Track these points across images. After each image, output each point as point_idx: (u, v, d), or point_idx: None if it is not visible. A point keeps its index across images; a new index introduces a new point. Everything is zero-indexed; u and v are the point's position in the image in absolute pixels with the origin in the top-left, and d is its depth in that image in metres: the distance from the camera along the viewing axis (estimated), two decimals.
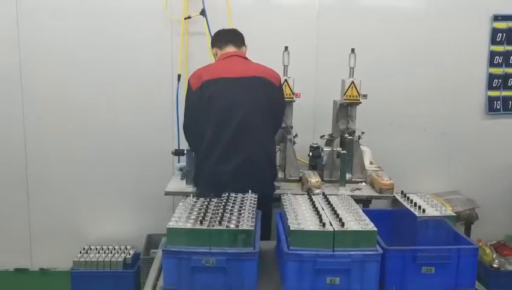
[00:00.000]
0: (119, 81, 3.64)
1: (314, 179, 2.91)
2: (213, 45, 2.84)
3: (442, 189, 3.76)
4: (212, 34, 3.45)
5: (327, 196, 2.05)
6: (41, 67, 3.60)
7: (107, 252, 3.60)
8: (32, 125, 3.68)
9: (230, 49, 2.73)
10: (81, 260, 3.48)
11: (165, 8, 3.49)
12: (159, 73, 3.63)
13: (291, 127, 3.12)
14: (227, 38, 2.77)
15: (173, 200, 3.65)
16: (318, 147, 3.30)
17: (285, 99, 2.98)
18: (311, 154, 3.29)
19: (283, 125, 3.01)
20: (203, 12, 3.49)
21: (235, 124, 2.51)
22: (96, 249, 3.63)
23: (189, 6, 3.53)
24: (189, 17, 3.52)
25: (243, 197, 2.02)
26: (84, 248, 3.63)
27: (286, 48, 3.09)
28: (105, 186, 3.79)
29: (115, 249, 3.64)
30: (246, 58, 2.74)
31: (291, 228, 1.66)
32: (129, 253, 3.60)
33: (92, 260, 3.48)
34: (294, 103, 3.10)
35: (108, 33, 3.58)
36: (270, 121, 2.66)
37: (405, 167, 3.67)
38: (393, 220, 2.11)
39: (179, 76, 3.58)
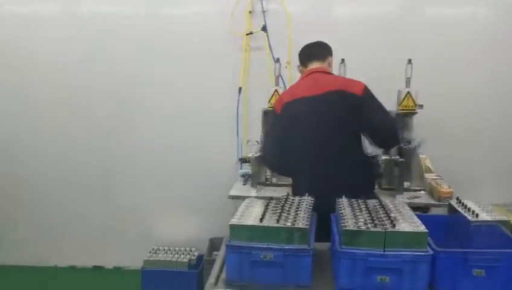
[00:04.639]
0: (185, 93, 3.92)
1: None
2: (299, 63, 2.84)
3: (507, 200, 3.66)
4: (273, 48, 3.67)
5: (380, 200, 2.13)
6: (110, 86, 3.98)
7: (173, 253, 3.86)
8: (116, 137, 4.05)
9: (314, 65, 2.72)
10: (150, 259, 3.76)
11: (230, 25, 3.72)
12: (222, 85, 3.86)
13: None
14: (309, 54, 2.77)
15: (235, 205, 3.84)
16: (376, 156, 3.35)
17: None
18: None
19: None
20: (264, 28, 3.69)
21: (317, 143, 2.54)
22: (164, 249, 3.90)
23: (251, 22, 3.75)
24: (251, 33, 3.73)
25: (300, 200, 2.15)
26: (153, 249, 3.91)
27: (343, 60, 3.20)
28: (173, 193, 4.08)
29: (180, 250, 3.89)
30: (328, 73, 2.72)
31: (343, 228, 1.78)
32: (194, 255, 3.83)
33: (160, 259, 3.75)
34: None
35: (173, 47, 3.87)
36: (353, 133, 2.61)
37: (467, 177, 3.61)
38: (448, 226, 2.14)
39: (240, 89, 3.80)
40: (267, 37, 3.69)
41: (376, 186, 3.13)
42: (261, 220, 1.84)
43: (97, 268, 4.19)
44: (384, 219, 1.86)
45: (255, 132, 3.57)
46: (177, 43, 3.87)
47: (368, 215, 1.91)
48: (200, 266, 3.75)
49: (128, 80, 3.96)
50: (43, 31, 3.94)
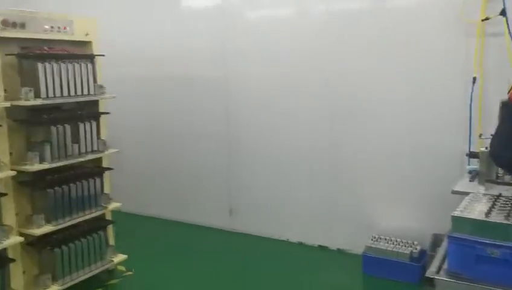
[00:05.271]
0: (413, 84, 3.90)
1: None
2: None
3: None
4: None
5: None
6: (343, 79, 4.23)
7: (395, 243, 3.92)
8: (339, 136, 4.32)
9: None
10: (372, 246, 3.92)
11: (462, 12, 3.54)
12: (450, 75, 3.71)
13: None
14: None
15: (460, 202, 3.66)
16: None
17: None
18: None
19: None
20: (503, 13, 3.38)
21: None
22: (385, 239, 4.00)
23: (487, 7, 3.48)
24: (487, 19, 3.47)
25: None
26: (374, 236, 4.06)
27: None
28: (396, 184, 4.12)
29: (402, 242, 3.93)
30: None
31: None
32: (416, 248, 3.82)
33: (381, 247, 3.87)
34: None
35: (401, 38, 3.89)
36: None
37: None
38: None
39: (474, 79, 3.57)
40: (506, 22, 3.37)
41: None
42: (487, 215, 1.80)
43: (322, 248, 4.56)
44: None
45: (491, 125, 3.33)
46: (405, 34, 3.88)
47: None
48: (422, 260, 3.71)
49: (360, 73, 4.14)
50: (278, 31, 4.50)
